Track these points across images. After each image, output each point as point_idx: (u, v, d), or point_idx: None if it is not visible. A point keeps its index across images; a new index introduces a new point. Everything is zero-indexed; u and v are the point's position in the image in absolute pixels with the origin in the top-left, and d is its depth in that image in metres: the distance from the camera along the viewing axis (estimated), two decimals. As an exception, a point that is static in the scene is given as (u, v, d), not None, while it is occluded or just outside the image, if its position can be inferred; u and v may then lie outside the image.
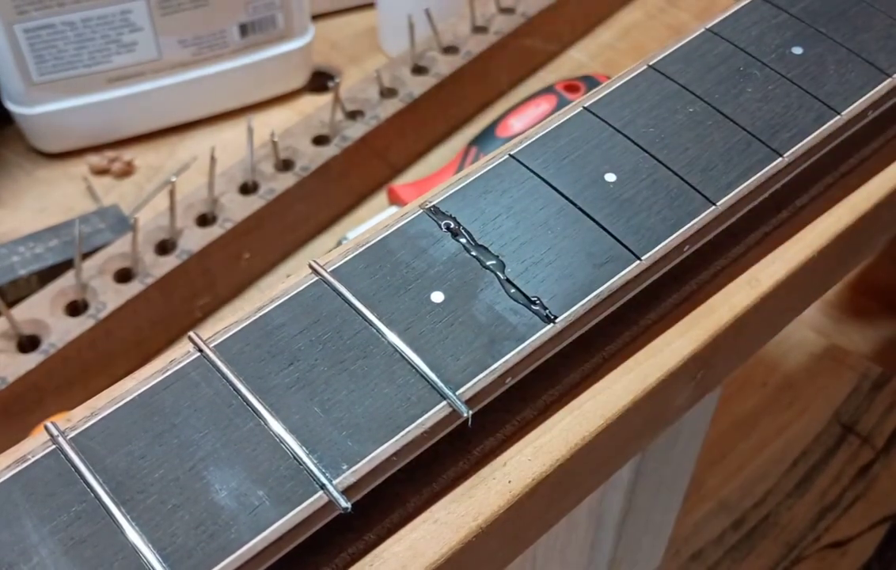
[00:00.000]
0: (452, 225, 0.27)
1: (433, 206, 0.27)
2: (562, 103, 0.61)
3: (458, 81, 0.63)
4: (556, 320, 0.25)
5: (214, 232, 0.52)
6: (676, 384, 0.28)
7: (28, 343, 0.47)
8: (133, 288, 0.49)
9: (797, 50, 0.32)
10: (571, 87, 0.62)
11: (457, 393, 0.23)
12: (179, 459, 0.22)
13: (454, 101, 0.64)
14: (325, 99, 0.65)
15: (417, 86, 0.61)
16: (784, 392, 0.72)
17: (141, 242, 0.51)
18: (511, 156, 0.29)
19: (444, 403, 0.23)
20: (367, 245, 0.26)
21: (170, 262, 0.51)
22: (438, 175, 0.59)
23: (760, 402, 0.72)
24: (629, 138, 0.29)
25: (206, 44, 0.62)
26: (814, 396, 0.72)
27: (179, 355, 0.24)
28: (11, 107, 0.60)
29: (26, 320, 0.47)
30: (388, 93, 0.61)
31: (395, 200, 0.58)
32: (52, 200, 0.60)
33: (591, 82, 0.63)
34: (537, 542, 0.28)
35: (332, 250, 0.27)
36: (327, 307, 0.25)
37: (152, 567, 0.20)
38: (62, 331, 0.47)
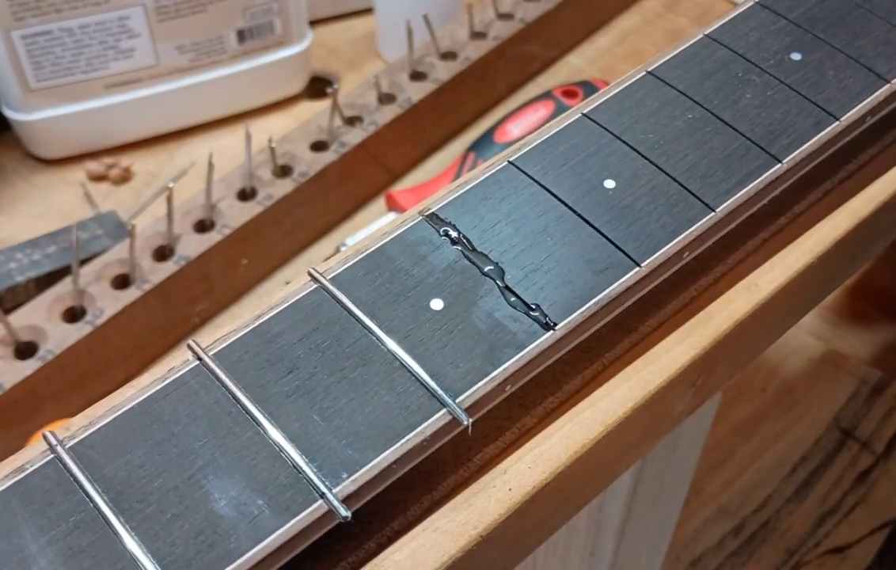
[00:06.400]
0: (452, 232, 0.27)
1: (432, 213, 0.27)
2: (560, 109, 0.61)
3: (457, 87, 0.63)
4: (556, 327, 0.25)
5: (212, 238, 0.52)
6: (676, 391, 0.28)
7: (25, 349, 0.47)
8: (131, 294, 0.49)
9: (796, 56, 0.32)
10: (570, 93, 0.62)
11: (457, 401, 0.23)
12: (179, 468, 0.22)
13: (452, 106, 0.64)
14: (323, 105, 0.65)
15: (416, 91, 0.61)
16: (783, 397, 0.72)
17: (139, 248, 0.51)
18: (510, 162, 0.29)
19: (443, 410, 0.23)
20: (367, 252, 0.26)
21: (168, 268, 0.51)
22: (437, 181, 0.59)
23: (760, 407, 0.72)
24: (628, 145, 0.29)
25: (204, 50, 0.61)
26: (813, 401, 0.72)
27: (178, 363, 0.24)
28: (9, 113, 0.60)
29: (24, 327, 0.47)
30: (386, 98, 0.61)
31: (393, 206, 0.58)
32: (49, 206, 0.60)
33: (589, 88, 0.63)
34: (537, 550, 0.28)
35: (330, 257, 0.27)
36: (326, 315, 0.25)
37: (151, 577, 0.20)
38: (60, 337, 0.47)
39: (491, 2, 0.67)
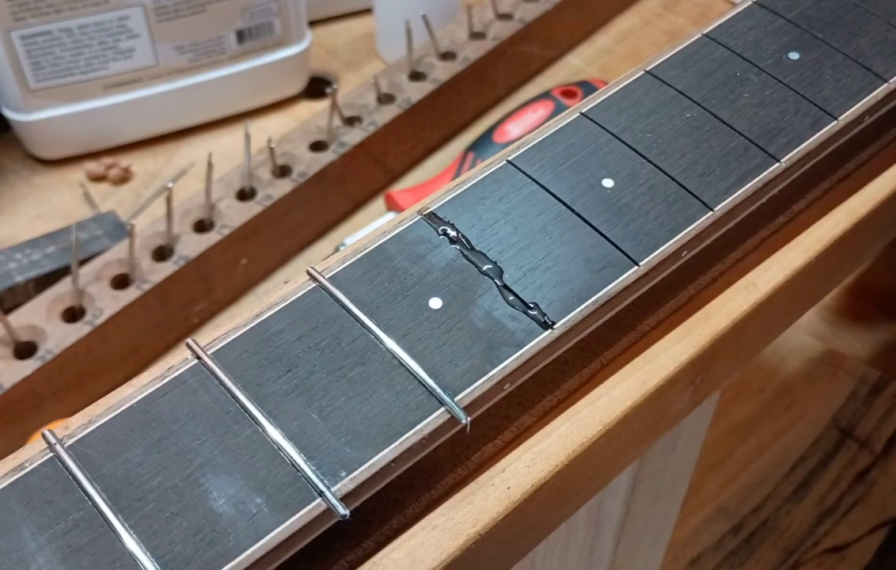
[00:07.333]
0: (450, 231, 0.27)
1: (431, 212, 0.27)
2: (559, 109, 0.61)
3: (456, 87, 0.63)
4: (554, 326, 0.25)
5: (212, 238, 0.52)
6: (675, 390, 0.28)
7: (25, 349, 0.47)
8: (130, 294, 0.49)
9: (794, 55, 0.32)
10: (568, 93, 0.62)
11: (455, 399, 0.23)
12: (177, 466, 0.22)
13: (452, 106, 0.64)
14: (322, 105, 0.65)
15: (415, 92, 0.61)
16: (782, 397, 0.72)
17: (138, 248, 0.51)
18: (509, 162, 0.29)
19: (442, 409, 0.23)
20: (365, 251, 0.26)
21: (167, 268, 0.51)
22: (436, 181, 0.59)
23: (758, 407, 0.72)
24: (626, 144, 0.29)
25: (204, 50, 0.62)
26: (812, 400, 0.72)
27: (177, 361, 0.24)
28: (8, 113, 0.60)
29: (23, 327, 0.47)
30: (385, 99, 0.61)
31: (392, 205, 0.58)
32: (49, 206, 0.60)
33: (588, 88, 0.63)
34: (536, 548, 0.28)
35: (329, 257, 0.27)
36: (325, 314, 0.25)
37: (150, 575, 0.20)
38: (59, 337, 0.47)
39: (490, 2, 0.67)
